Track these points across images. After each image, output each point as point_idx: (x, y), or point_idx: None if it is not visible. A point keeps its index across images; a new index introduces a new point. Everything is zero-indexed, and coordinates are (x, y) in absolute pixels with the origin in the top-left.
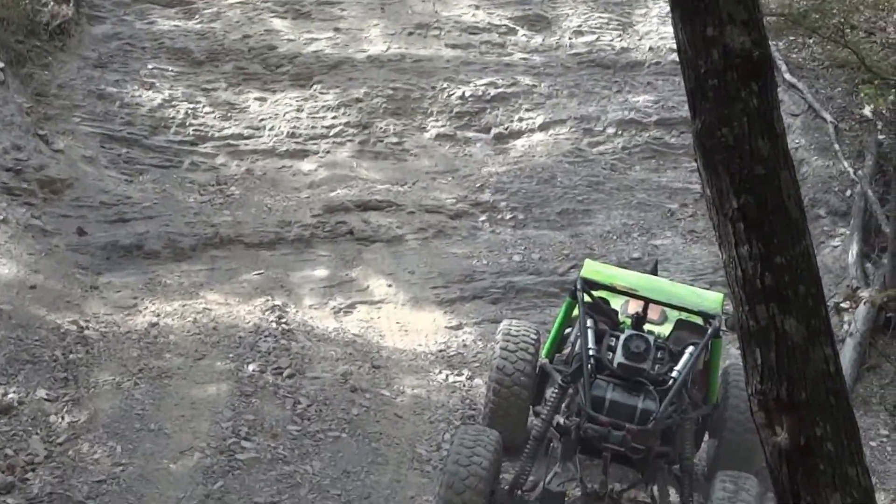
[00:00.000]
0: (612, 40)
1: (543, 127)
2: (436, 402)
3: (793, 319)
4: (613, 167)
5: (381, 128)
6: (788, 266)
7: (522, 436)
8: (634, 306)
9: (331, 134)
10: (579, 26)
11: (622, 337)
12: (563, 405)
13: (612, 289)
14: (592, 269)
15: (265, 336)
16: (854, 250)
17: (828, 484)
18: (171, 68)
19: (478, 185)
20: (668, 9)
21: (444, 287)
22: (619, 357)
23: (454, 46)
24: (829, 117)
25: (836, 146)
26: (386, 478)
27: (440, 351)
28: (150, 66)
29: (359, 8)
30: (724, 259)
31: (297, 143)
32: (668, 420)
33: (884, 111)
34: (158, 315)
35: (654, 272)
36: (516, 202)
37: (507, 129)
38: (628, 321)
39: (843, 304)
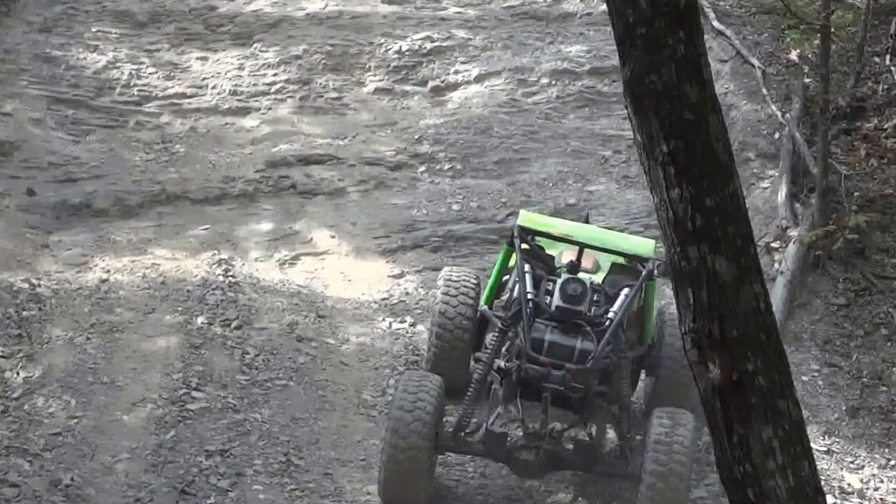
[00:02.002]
0: None
1: (479, 79)
2: (380, 349)
3: (723, 259)
4: (548, 116)
5: (320, 84)
6: (718, 208)
7: (464, 379)
8: (568, 256)
9: (272, 91)
10: None
11: (559, 281)
12: (504, 349)
13: (548, 235)
14: (528, 219)
15: (213, 289)
16: (783, 191)
17: (759, 417)
18: (114, 31)
19: (416, 137)
20: None
21: (386, 237)
22: (556, 300)
23: (390, 2)
24: (756, 62)
25: (764, 90)
26: (333, 423)
27: (383, 299)
28: (93, 29)
29: None
30: (655, 202)
31: (239, 100)
32: (605, 359)
33: (809, 55)
34: (108, 271)
35: (587, 223)
36: (454, 153)
37: (443, 81)
38: (564, 269)
39: (773, 244)
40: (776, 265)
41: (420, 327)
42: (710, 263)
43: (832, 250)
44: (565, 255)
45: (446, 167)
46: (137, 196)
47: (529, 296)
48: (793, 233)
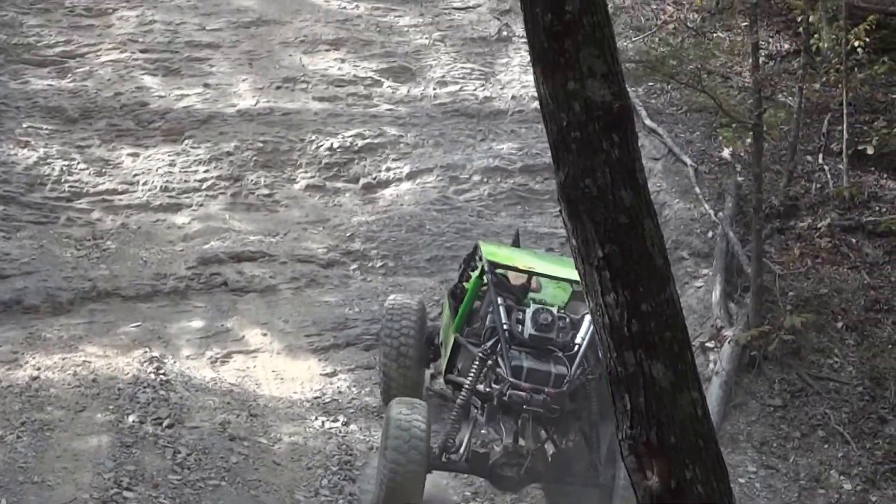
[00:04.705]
0: (475, 90)
1: (411, 176)
2: (312, 449)
3: (660, 365)
4: (480, 214)
5: (252, 180)
6: (654, 313)
7: (416, 394)
8: (514, 278)
9: (203, 187)
10: (443, 77)
11: (529, 311)
12: (483, 374)
13: (514, 269)
14: (490, 251)
15: (144, 387)
16: (717, 291)
17: None
18: (45, 126)
19: (348, 234)
20: (529, 58)
21: (318, 335)
22: (528, 329)
23: (321, 99)
24: (689, 161)
25: (697, 189)
26: None
27: (316, 398)
28: (24, 125)
29: (227, 63)
30: (591, 307)
31: (170, 196)
32: (577, 381)
33: (742, 153)
34: (39, 369)
35: (517, 243)
36: (386, 250)
37: (375, 178)
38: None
39: (708, 344)
40: (711, 365)
41: (353, 426)
42: (646, 369)
43: (768, 351)
44: (512, 276)
45: (378, 265)
46: (68, 293)
47: (506, 326)
48: (727, 333)
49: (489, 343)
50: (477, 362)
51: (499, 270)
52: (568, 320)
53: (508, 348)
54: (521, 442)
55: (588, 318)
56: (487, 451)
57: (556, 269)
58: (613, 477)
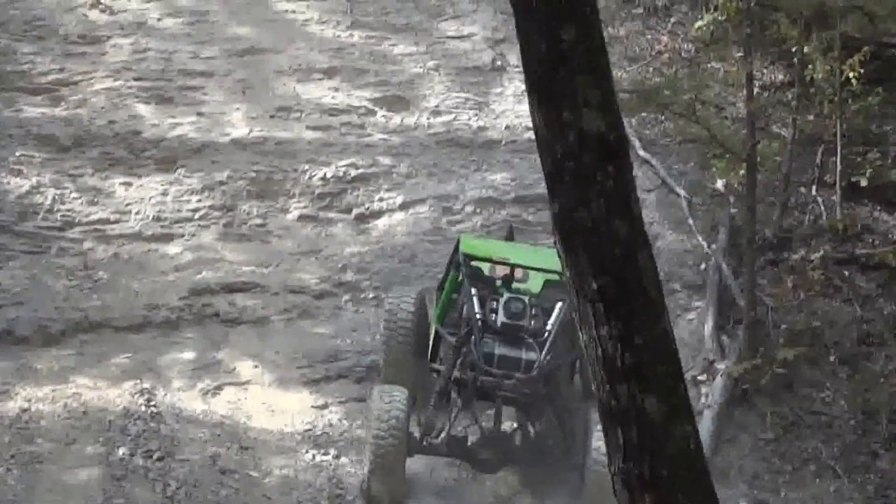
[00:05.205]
0: (469, 119)
1: (404, 206)
2: (303, 482)
3: (653, 398)
4: None
5: (244, 210)
6: (648, 346)
7: (412, 383)
8: (502, 270)
9: (196, 217)
10: (437, 106)
11: (501, 300)
12: (458, 362)
13: (489, 260)
14: (470, 245)
15: (134, 419)
16: (710, 323)
17: None
18: (38, 155)
19: (340, 265)
20: (523, 88)
21: (310, 367)
22: (501, 317)
23: (315, 128)
24: (682, 192)
25: (690, 220)
26: None
27: (307, 430)
28: (17, 154)
29: (221, 92)
30: (584, 339)
31: (162, 226)
32: (548, 367)
33: (735, 185)
34: (29, 400)
35: (511, 236)
36: (378, 281)
37: (367, 209)
38: (500, 283)
39: (700, 377)
40: (703, 398)
41: (344, 459)
42: (639, 402)
43: (760, 384)
44: (499, 269)
45: (370, 296)
46: (60, 323)
47: (478, 315)
48: (720, 366)
49: (463, 332)
50: (451, 351)
51: (474, 263)
52: (540, 308)
53: (481, 337)
54: (497, 425)
55: (560, 304)
56: (465, 436)
57: (533, 260)
58: (584, 458)
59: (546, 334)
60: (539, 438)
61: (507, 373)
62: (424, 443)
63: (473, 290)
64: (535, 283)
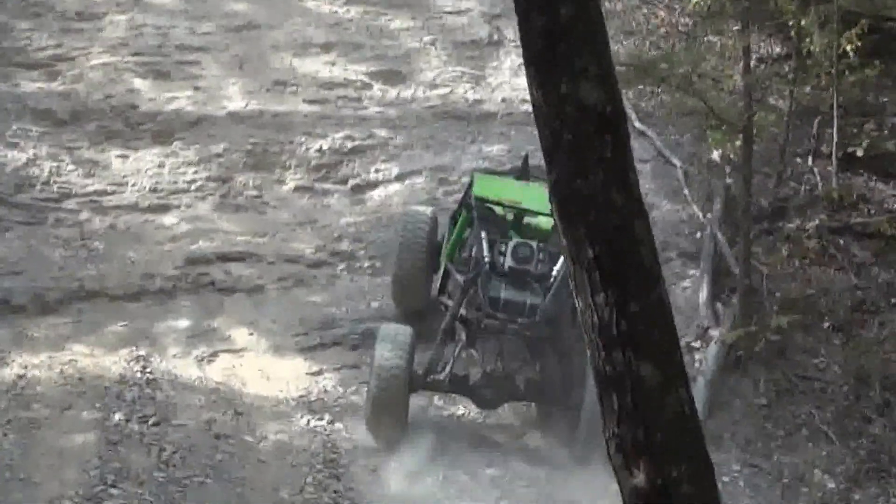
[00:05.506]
0: (465, 93)
1: (399, 177)
2: (298, 447)
3: (648, 364)
4: None
5: (241, 182)
6: (643, 313)
7: (422, 299)
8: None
9: (192, 189)
10: (433, 80)
11: (510, 245)
12: (464, 301)
13: (500, 203)
14: (483, 185)
15: (130, 385)
16: (705, 291)
17: None
18: (34, 128)
19: (336, 235)
20: (520, 61)
21: (305, 334)
22: (508, 261)
23: (311, 102)
24: (678, 163)
25: (686, 191)
26: None
27: (301, 397)
28: (14, 127)
29: (218, 66)
30: (580, 307)
31: (159, 197)
32: (551, 311)
33: (731, 156)
34: (26, 367)
35: (525, 164)
36: (374, 251)
37: (364, 180)
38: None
39: (694, 344)
40: (697, 365)
41: (338, 425)
42: (634, 368)
43: (754, 351)
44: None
45: (366, 265)
46: (56, 292)
47: (486, 259)
48: (714, 333)
49: (471, 273)
50: (459, 291)
51: (487, 204)
52: (547, 252)
53: (488, 279)
54: (499, 364)
55: None
56: (467, 374)
57: (545, 201)
58: (582, 399)
59: (552, 279)
60: (540, 377)
61: (510, 317)
62: (428, 379)
63: (483, 234)
64: (546, 220)
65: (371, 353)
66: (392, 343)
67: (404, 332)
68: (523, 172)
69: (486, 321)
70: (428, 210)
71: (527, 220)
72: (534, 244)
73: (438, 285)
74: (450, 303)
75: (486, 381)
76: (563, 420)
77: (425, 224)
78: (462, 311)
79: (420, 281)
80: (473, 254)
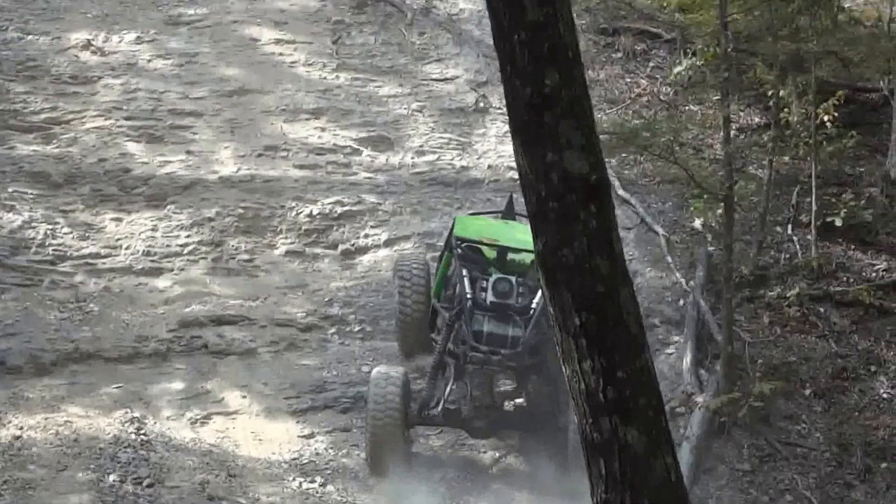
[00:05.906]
0: (452, 159)
1: (388, 243)
2: None
3: (635, 430)
4: None
5: (232, 245)
6: (629, 379)
7: (422, 339)
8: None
9: (185, 252)
10: (421, 146)
11: (491, 280)
12: (451, 336)
13: (480, 243)
14: (463, 227)
15: (125, 447)
16: (688, 357)
17: None
18: (30, 191)
19: (326, 299)
20: (505, 128)
21: (297, 397)
22: (490, 296)
23: (302, 167)
24: (661, 230)
25: (669, 258)
26: None
27: (293, 459)
28: (10, 190)
29: (210, 131)
30: (567, 373)
31: (152, 261)
32: (532, 342)
33: (713, 224)
34: (21, 428)
35: (510, 207)
36: (364, 315)
37: (353, 245)
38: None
39: (678, 409)
40: (682, 430)
41: (330, 487)
42: (621, 435)
43: (737, 417)
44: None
45: (356, 329)
46: (51, 354)
47: (468, 295)
48: (698, 398)
49: (455, 309)
50: (445, 327)
51: (465, 244)
52: (526, 286)
53: (471, 314)
54: (488, 395)
55: None
56: (459, 408)
57: (523, 237)
58: (569, 421)
59: (531, 311)
60: (528, 405)
61: (494, 349)
62: (422, 415)
63: (465, 271)
64: (526, 256)
65: (365, 398)
66: (385, 383)
67: (396, 372)
68: (507, 212)
69: (471, 354)
70: (420, 259)
71: (510, 256)
72: (513, 279)
73: (428, 323)
74: (437, 338)
75: (477, 413)
76: (551, 441)
77: (419, 267)
78: (450, 345)
79: (421, 323)
80: (457, 291)
